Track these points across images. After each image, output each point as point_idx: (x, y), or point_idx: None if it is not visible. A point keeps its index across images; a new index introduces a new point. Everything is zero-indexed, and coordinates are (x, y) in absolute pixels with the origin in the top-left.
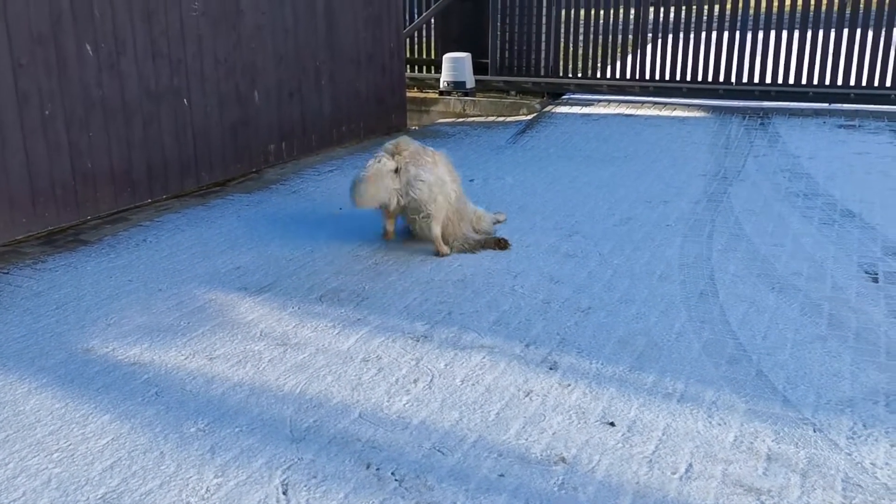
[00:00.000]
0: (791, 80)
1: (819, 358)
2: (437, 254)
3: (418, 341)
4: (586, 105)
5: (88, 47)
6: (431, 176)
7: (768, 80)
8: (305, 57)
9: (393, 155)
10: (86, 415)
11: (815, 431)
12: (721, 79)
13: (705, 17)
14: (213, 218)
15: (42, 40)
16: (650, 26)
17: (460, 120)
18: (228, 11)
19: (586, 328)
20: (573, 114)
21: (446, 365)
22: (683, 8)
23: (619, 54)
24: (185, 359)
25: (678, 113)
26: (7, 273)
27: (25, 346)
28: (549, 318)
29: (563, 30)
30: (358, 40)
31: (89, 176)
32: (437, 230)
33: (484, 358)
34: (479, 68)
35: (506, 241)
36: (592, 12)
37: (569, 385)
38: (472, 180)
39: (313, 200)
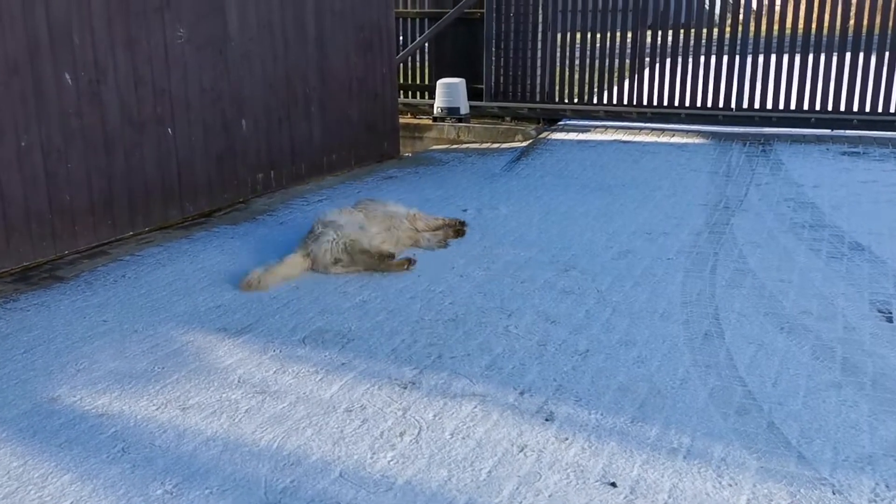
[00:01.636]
0: (793, 106)
1: (834, 408)
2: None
3: (406, 388)
4: (583, 131)
5: (67, 76)
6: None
7: (769, 105)
8: (295, 84)
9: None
10: (45, 475)
11: (833, 493)
12: (721, 104)
13: (704, 41)
14: (195, 251)
15: (18, 69)
16: (648, 50)
17: (454, 146)
18: (215, 38)
19: (584, 373)
20: (569, 140)
21: (435, 416)
22: (682, 31)
23: (616, 79)
24: (157, 409)
25: (677, 139)
26: None
27: None
28: (544, 362)
29: (559, 54)
30: (349, 66)
31: (67, 209)
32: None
33: (475, 407)
34: (473, 94)
35: (461, 225)
36: (589, 36)
37: (566, 439)
38: (465, 210)
39: (300, 231)
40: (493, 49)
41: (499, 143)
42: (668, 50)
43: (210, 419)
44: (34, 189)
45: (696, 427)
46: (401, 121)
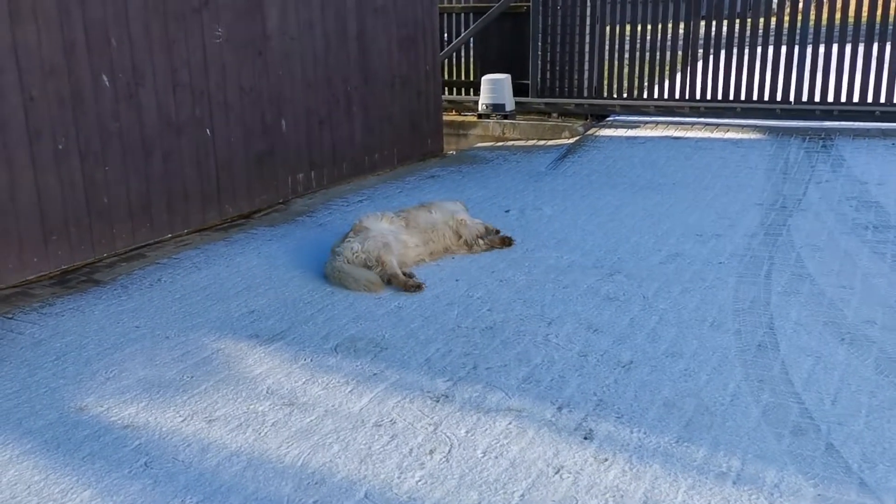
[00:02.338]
0: (856, 99)
1: None
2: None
3: (438, 402)
4: (632, 127)
5: (105, 78)
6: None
7: (830, 98)
8: (336, 82)
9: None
10: (65, 490)
11: None
12: (778, 97)
13: (761, 31)
14: (232, 254)
15: (55, 71)
16: (701, 42)
17: (499, 144)
18: (254, 37)
19: (627, 387)
20: (618, 137)
21: (467, 432)
22: (737, 21)
23: (667, 73)
24: (183, 421)
25: (731, 135)
26: (11, 318)
27: (16, 403)
28: (585, 374)
29: (607, 48)
30: (392, 64)
31: (105, 212)
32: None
33: (510, 424)
34: (519, 90)
35: (509, 239)
36: (639, 28)
37: (605, 459)
38: (507, 211)
39: (339, 233)
40: (540, 44)
41: (545, 140)
42: (723, 41)
43: (235, 432)
44: (72, 192)
45: (746, 449)
46: (445, 118)
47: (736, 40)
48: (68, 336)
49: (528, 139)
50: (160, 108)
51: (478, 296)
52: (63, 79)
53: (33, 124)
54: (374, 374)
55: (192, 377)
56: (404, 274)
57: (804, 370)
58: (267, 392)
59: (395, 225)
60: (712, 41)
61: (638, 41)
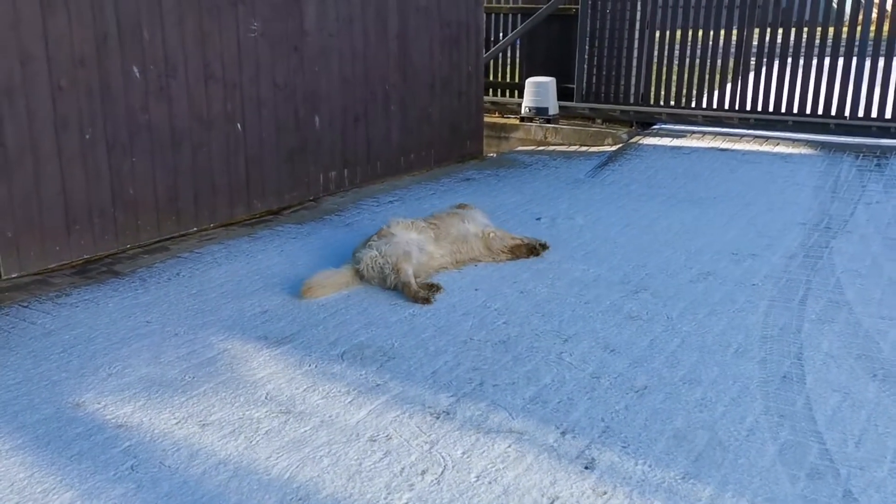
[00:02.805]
0: None
1: None
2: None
3: (438, 418)
4: (678, 137)
5: (136, 70)
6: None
7: (888, 115)
8: (374, 81)
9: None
10: (48, 490)
11: None
12: (833, 112)
13: (818, 41)
14: (254, 251)
15: (85, 62)
16: (754, 50)
17: (540, 148)
18: (291, 33)
19: (638, 415)
20: (662, 146)
21: (464, 453)
22: (793, 30)
23: (717, 82)
24: (177, 423)
25: (781, 149)
26: (26, 307)
27: (15, 395)
28: (595, 397)
29: (656, 54)
30: (433, 64)
31: (130, 203)
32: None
33: (509, 447)
34: (564, 94)
35: (541, 247)
36: (690, 34)
37: (604, 493)
38: (538, 219)
39: (365, 234)
40: (587, 47)
41: (587, 146)
42: (777, 50)
43: (227, 439)
44: (97, 183)
45: (757, 491)
46: (487, 120)
47: (791, 50)
48: (79, 328)
49: (569, 144)
50: (191, 101)
51: (495, 307)
52: (93, 70)
53: (61, 114)
54: (377, 385)
55: (193, 378)
56: (424, 285)
57: (829, 407)
58: (266, 398)
59: (423, 235)
60: (766, 50)
61: (688, 48)
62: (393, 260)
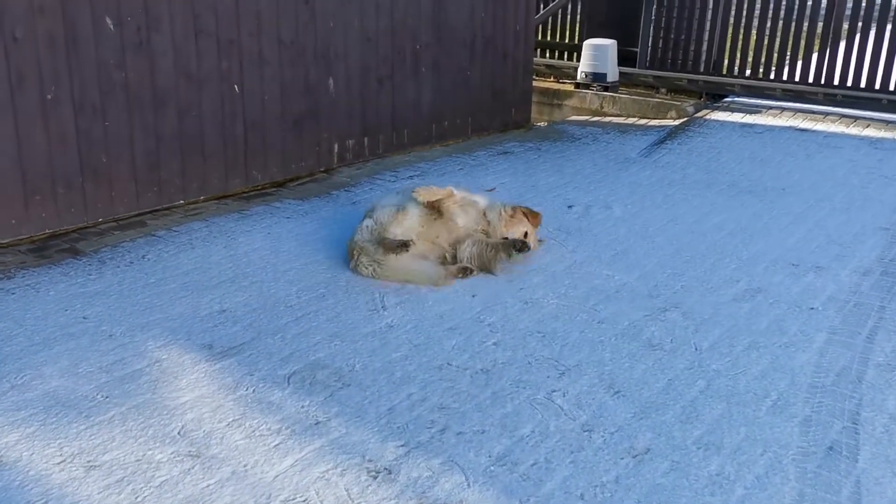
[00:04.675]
0: None
1: None
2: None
3: (376, 478)
4: (751, 112)
5: (109, 21)
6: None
7: None
8: (403, 38)
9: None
10: None
11: None
12: None
13: None
14: (238, 232)
15: (45, 10)
16: (848, 13)
17: (594, 119)
18: None
19: (629, 492)
20: (731, 122)
21: None
22: None
23: (801, 50)
24: (61, 462)
25: (870, 132)
26: None
27: None
28: (580, 461)
29: (732, 16)
30: (474, 21)
31: (103, 172)
32: None
33: None
34: (626, 59)
35: (523, 244)
36: None
37: None
38: (570, 207)
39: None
40: (654, 6)
41: (647, 118)
42: (875, 13)
43: (109, 491)
44: (62, 148)
45: None
46: (539, 85)
47: (892, 15)
48: (3, 321)
49: (627, 116)
50: (177, 57)
51: (489, 321)
52: (55, 19)
53: (16, 68)
54: (318, 423)
55: (107, 397)
56: (399, 241)
57: (886, 500)
58: (179, 432)
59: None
60: (861, 14)
61: (770, 8)
62: (384, 219)
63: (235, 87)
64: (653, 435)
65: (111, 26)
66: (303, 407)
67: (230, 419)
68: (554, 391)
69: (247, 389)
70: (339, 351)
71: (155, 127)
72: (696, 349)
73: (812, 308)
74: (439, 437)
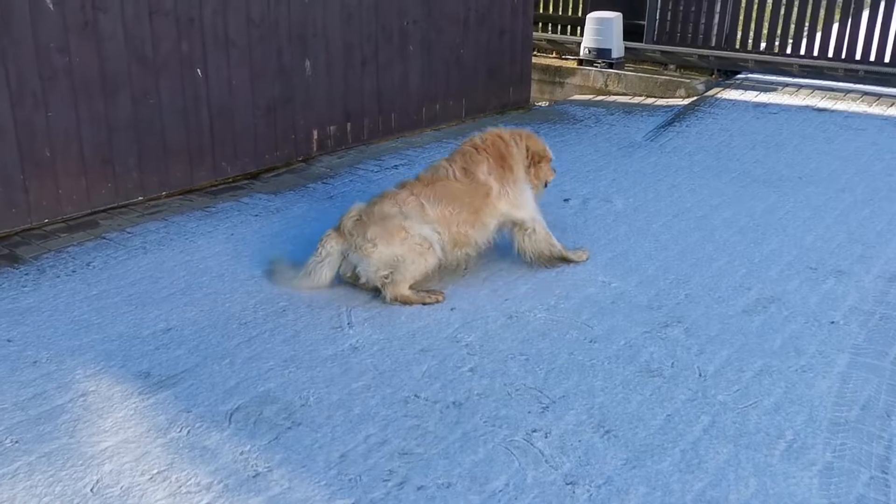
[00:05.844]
0: None
1: None
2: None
3: None
4: (766, 90)
5: (48, 0)
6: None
7: None
8: (388, 14)
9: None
10: None
11: None
12: None
13: None
14: (199, 233)
15: None
16: None
17: (598, 98)
18: None
19: None
20: (744, 102)
21: None
22: None
23: (820, 22)
24: None
25: (895, 111)
26: None
27: None
28: None
29: None
30: None
31: (47, 167)
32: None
33: None
34: (632, 32)
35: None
36: None
37: None
38: (566, 200)
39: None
40: None
41: (654, 97)
42: None
43: None
44: None
45: None
46: (540, 62)
47: None
48: None
49: (633, 95)
50: (129, 40)
51: (467, 341)
52: None
53: None
54: (257, 475)
55: (16, 442)
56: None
57: None
58: (92, 489)
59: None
60: None
61: None
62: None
63: (198, 70)
64: (647, 489)
65: (50, 5)
66: (242, 454)
67: (155, 471)
68: (534, 431)
69: (180, 431)
70: (293, 379)
71: (106, 116)
72: (700, 375)
73: (832, 322)
74: (396, 494)
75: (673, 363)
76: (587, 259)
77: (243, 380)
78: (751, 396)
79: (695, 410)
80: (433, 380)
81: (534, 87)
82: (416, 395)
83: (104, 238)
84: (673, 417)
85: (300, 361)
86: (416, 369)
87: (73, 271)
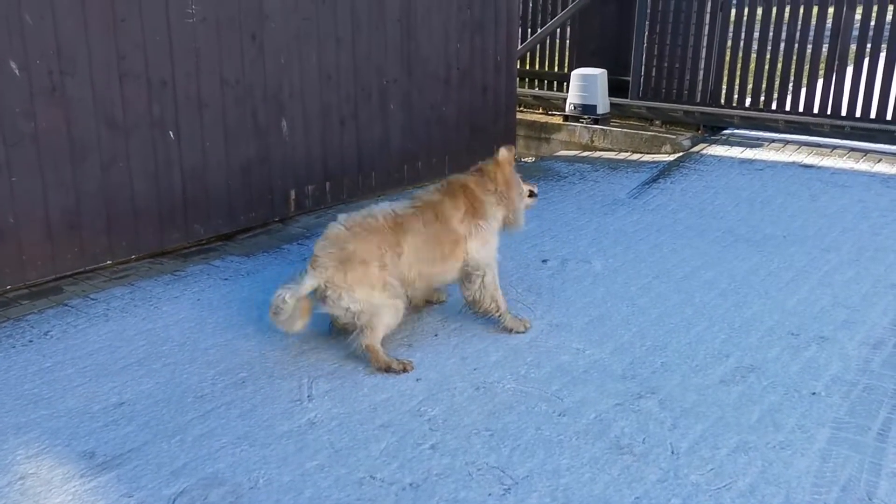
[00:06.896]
0: None
1: None
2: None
3: None
4: (752, 146)
5: (14, 65)
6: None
7: None
8: (367, 74)
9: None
10: None
11: None
12: None
13: None
14: (164, 298)
15: None
16: (855, 34)
17: (584, 154)
18: (245, 16)
19: None
20: (730, 158)
21: None
22: None
23: (805, 78)
24: None
25: (882, 168)
26: None
27: None
28: None
29: (730, 41)
30: (448, 52)
31: (10, 234)
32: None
33: None
34: (618, 88)
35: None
36: (774, 13)
37: None
38: (545, 261)
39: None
40: (646, 33)
41: (640, 153)
42: (885, 35)
43: None
44: None
45: None
46: (527, 118)
47: None
48: None
49: (619, 151)
50: (98, 104)
51: (431, 414)
52: None
53: None
54: None
55: None
56: None
57: None
58: None
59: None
60: (869, 37)
61: (771, 32)
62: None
63: (170, 132)
64: None
65: (16, 71)
66: None
67: None
68: None
69: None
70: (245, 459)
71: (74, 182)
72: (672, 452)
73: (813, 393)
74: None
75: (644, 439)
76: (525, 331)
77: (192, 459)
78: (725, 477)
79: (665, 493)
80: (391, 458)
81: (520, 142)
82: (371, 476)
83: (66, 305)
84: (641, 501)
85: (254, 438)
86: (374, 447)
87: (30, 341)
